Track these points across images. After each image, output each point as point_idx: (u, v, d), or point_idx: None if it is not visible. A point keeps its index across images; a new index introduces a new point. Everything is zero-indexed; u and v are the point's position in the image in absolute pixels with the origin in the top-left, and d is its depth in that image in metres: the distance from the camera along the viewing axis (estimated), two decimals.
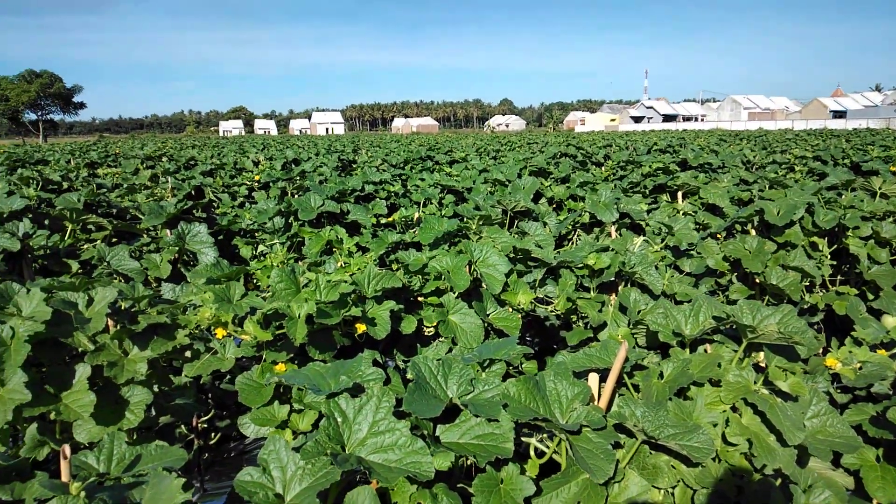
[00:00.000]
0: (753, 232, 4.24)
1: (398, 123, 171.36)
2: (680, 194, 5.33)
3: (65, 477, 1.38)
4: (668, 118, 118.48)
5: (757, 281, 3.64)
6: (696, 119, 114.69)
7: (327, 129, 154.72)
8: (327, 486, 1.35)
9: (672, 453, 1.76)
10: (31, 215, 4.59)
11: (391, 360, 3.28)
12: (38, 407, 2.24)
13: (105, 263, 3.72)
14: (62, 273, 4.20)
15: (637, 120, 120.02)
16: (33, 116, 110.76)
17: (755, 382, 1.99)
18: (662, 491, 1.79)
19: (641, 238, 3.79)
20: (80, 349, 2.45)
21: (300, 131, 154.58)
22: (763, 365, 2.17)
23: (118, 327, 2.40)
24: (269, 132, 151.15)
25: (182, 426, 3.41)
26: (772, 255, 3.64)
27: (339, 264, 3.96)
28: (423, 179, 8.02)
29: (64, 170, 10.61)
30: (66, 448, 1.36)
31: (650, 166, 7.20)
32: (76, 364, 2.34)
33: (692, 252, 4.02)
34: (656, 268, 3.17)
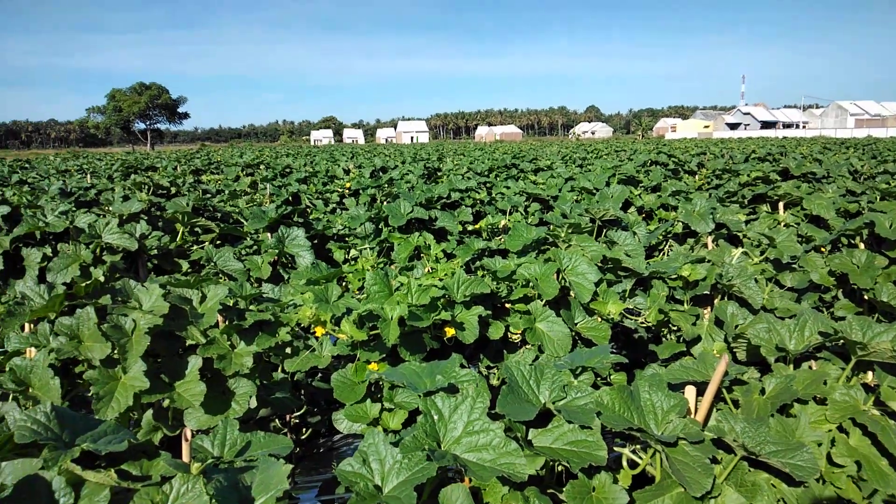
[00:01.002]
0: (862, 245, 3.99)
1: (481, 132, 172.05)
2: (781, 205, 5.09)
3: (185, 457, 1.50)
4: (766, 125, 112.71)
5: (865, 298, 3.42)
6: (798, 126, 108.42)
7: (412, 138, 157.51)
8: (423, 481, 1.40)
9: (772, 471, 1.70)
10: (145, 218, 4.97)
11: (474, 366, 3.32)
12: (154, 394, 2.43)
13: (212, 264, 3.98)
14: (173, 272, 4.52)
15: (733, 127, 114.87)
16: (142, 126, 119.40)
17: (865, 402, 1.88)
18: None
19: (740, 250, 3.64)
20: (190, 342, 2.64)
21: (386, 140, 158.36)
22: (873, 385, 2.05)
23: (227, 323, 2.56)
24: (356, 141, 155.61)
25: (276, 420, 3.58)
26: (882, 270, 3.41)
27: (426, 269, 4.05)
28: (508, 187, 8.04)
29: (172, 176, 11.38)
30: (188, 431, 1.48)
31: (748, 175, 6.90)
32: (188, 356, 2.53)
33: (794, 266, 3.82)
34: (755, 281, 3.05)
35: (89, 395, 2.52)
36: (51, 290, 2.80)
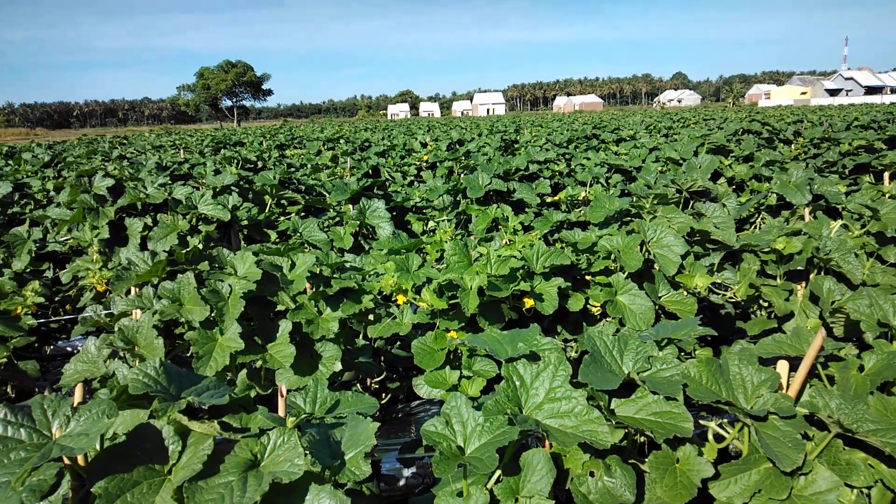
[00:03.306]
0: None
1: (560, 102, 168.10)
2: (887, 175, 4.73)
3: (281, 412, 1.59)
4: (871, 90, 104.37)
5: None
6: None
7: (488, 110, 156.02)
8: (505, 444, 1.42)
9: (871, 451, 1.62)
10: (236, 190, 5.21)
11: (552, 338, 3.30)
12: (248, 355, 2.58)
13: (298, 234, 4.14)
14: (262, 241, 4.73)
15: (833, 93, 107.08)
16: (229, 103, 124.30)
17: None
18: (856, 491, 1.65)
19: (839, 222, 3.43)
20: (281, 307, 2.77)
21: (462, 113, 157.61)
22: None
23: (314, 289, 2.67)
24: (432, 114, 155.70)
25: (357, 384, 3.71)
26: None
27: (504, 241, 4.04)
28: (588, 158, 7.87)
29: (258, 151, 11.81)
30: (283, 387, 1.57)
31: (850, 144, 6.44)
32: (279, 320, 2.66)
33: None
34: (855, 255, 2.87)
35: (188, 354, 2.70)
36: (154, 256, 3.00)
